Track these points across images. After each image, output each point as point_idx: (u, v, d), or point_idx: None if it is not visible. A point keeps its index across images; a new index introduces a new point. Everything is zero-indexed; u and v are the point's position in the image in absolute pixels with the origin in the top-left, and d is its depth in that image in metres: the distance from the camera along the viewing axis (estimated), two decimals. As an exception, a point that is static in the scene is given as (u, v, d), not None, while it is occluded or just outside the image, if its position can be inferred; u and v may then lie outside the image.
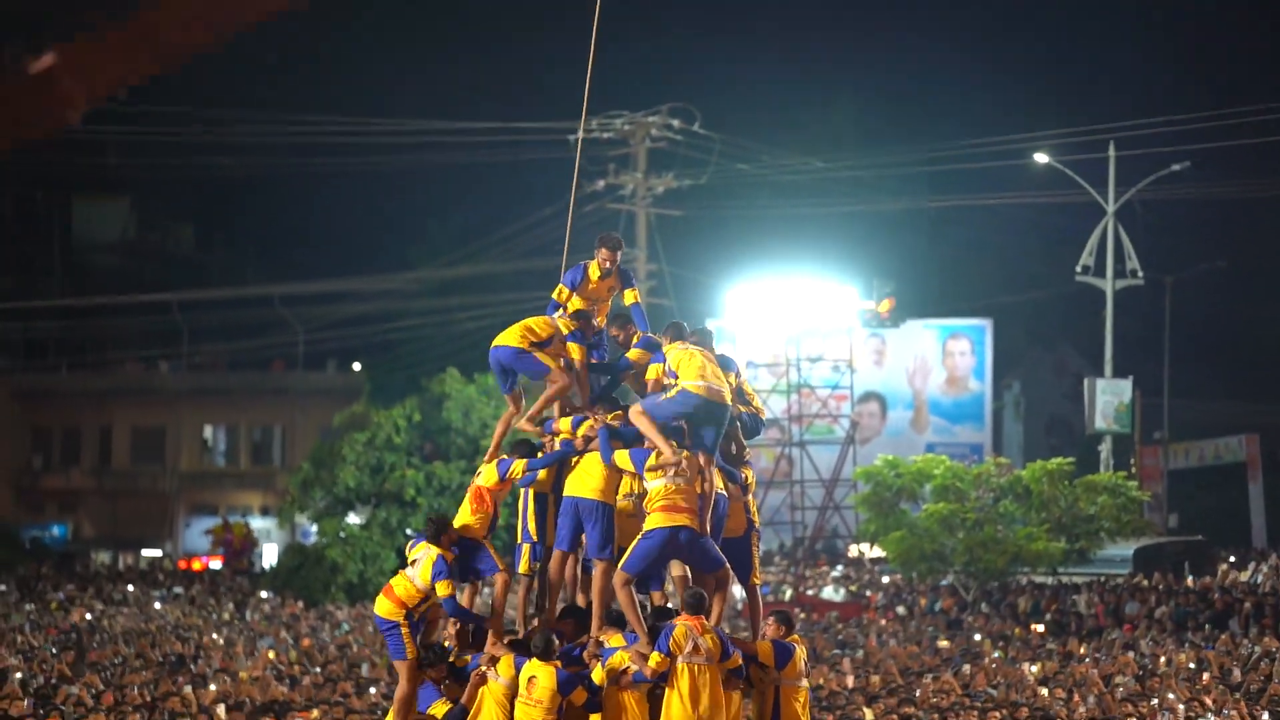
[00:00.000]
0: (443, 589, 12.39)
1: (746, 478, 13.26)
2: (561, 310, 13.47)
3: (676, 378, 12.60)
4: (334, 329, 62.84)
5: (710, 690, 11.72)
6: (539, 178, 76.67)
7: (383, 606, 12.74)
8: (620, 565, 12.24)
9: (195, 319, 66.80)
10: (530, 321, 13.26)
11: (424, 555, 12.60)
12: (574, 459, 12.80)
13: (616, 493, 12.66)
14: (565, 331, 13.19)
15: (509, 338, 13.14)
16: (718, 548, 12.57)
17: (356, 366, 66.59)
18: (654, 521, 12.21)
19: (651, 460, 12.32)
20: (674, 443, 12.40)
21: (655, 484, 12.25)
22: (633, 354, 13.25)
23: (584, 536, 12.65)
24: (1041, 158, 48.98)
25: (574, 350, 13.10)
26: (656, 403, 12.60)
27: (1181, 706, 19.63)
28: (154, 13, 5.89)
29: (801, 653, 12.88)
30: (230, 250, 79.46)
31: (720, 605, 12.31)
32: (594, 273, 13.53)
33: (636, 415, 12.59)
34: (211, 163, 62.11)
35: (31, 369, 69.47)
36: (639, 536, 12.29)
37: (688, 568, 12.65)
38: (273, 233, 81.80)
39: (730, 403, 12.68)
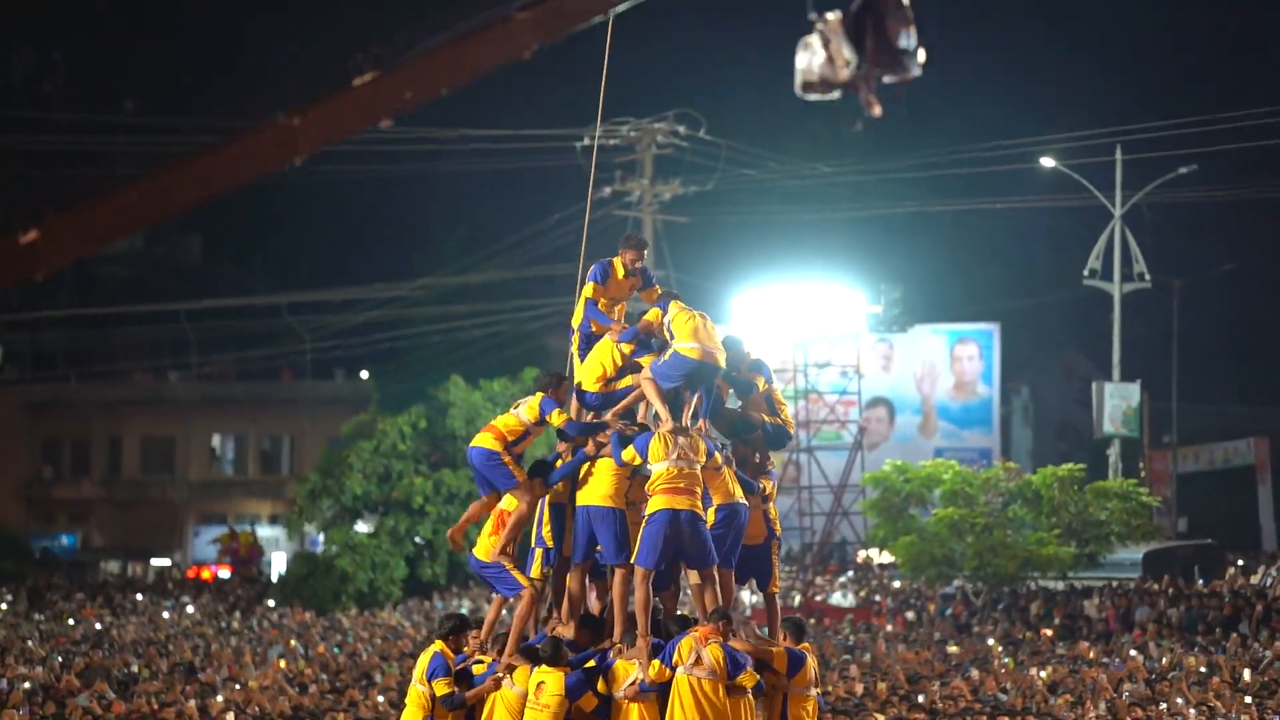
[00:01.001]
0: (440, 687, 12.56)
1: (766, 488, 13.27)
2: (530, 401, 13.29)
3: (673, 337, 12.71)
4: (341, 338, 62.88)
5: (711, 703, 11.67)
6: (545, 185, 76.85)
7: (484, 440, 12.93)
8: (635, 560, 12.26)
9: (203, 329, 66.83)
10: (499, 422, 13.22)
11: (429, 651, 12.88)
12: (584, 468, 12.81)
13: (627, 498, 12.67)
14: (534, 421, 13.12)
15: (483, 439, 13.12)
16: (727, 552, 12.57)
17: (364, 375, 66.63)
18: (656, 504, 12.25)
19: (654, 443, 12.35)
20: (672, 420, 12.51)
21: (658, 466, 12.28)
22: (649, 315, 13.28)
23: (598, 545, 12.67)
24: (1048, 162, 48.94)
25: (558, 419, 13.08)
26: (657, 366, 12.68)
27: (1192, 711, 19.59)
28: (139, 187, 6.15)
29: (812, 661, 12.91)
30: (238, 260, 79.60)
31: (712, 601, 12.27)
32: (619, 271, 13.54)
33: (645, 382, 12.70)
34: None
35: (41, 380, 69.57)
36: (643, 523, 12.32)
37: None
38: (280, 242, 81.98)
39: (722, 361, 12.77)
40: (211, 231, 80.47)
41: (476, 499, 13.69)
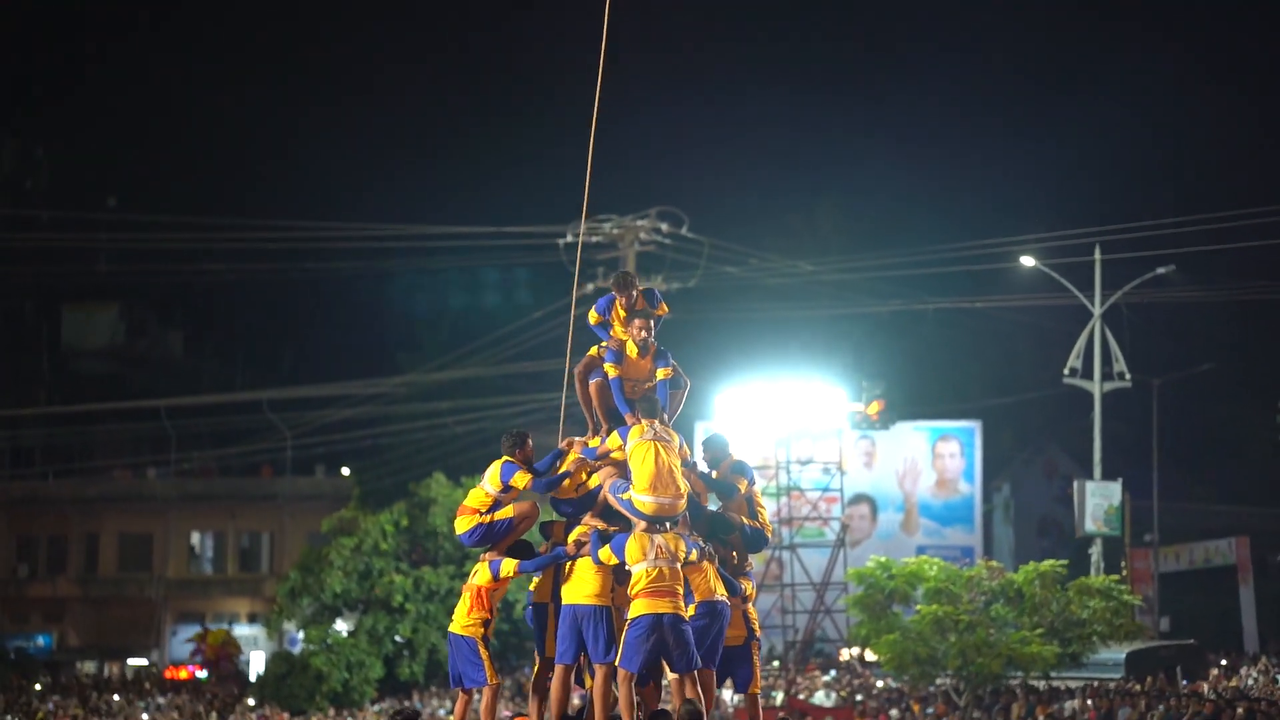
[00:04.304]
0: None
1: (746, 589, 13.22)
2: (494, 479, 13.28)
3: (629, 485, 12.57)
4: (323, 434, 62.74)
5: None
6: (528, 282, 77.08)
7: (461, 524, 13.15)
8: (619, 663, 12.19)
9: (184, 425, 66.66)
10: (468, 501, 13.23)
11: None
12: (567, 566, 12.75)
13: (612, 595, 12.61)
14: (499, 489, 13.07)
15: (460, 524, 13.17)
16: (708, 650, 12.49)
17: (345, 471, 66.42)
18: (639, 608, 12.19)
19: (631, 543, 12.30)
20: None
21: (637, 568, 12.22)
22: (610, 442, 13.13)
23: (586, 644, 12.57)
24: (1028, 260, 49.22)
25: (521, 480, 13.05)
26: (619, 499, 12.58)
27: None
28: None
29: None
30: (219, 356, 79.52)
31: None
32: (632, 352, 13.40)
33: (609, 495, 12.68)
34: (201, 269, 62.31)
35: (18, 476, 69.19)
36: (625, 626, 12.25)
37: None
38: (262, 338, 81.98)
39: (681, 508, 12.63)
40: (193, 327, 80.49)
41: (458, 597, 13.59)
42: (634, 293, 13.61)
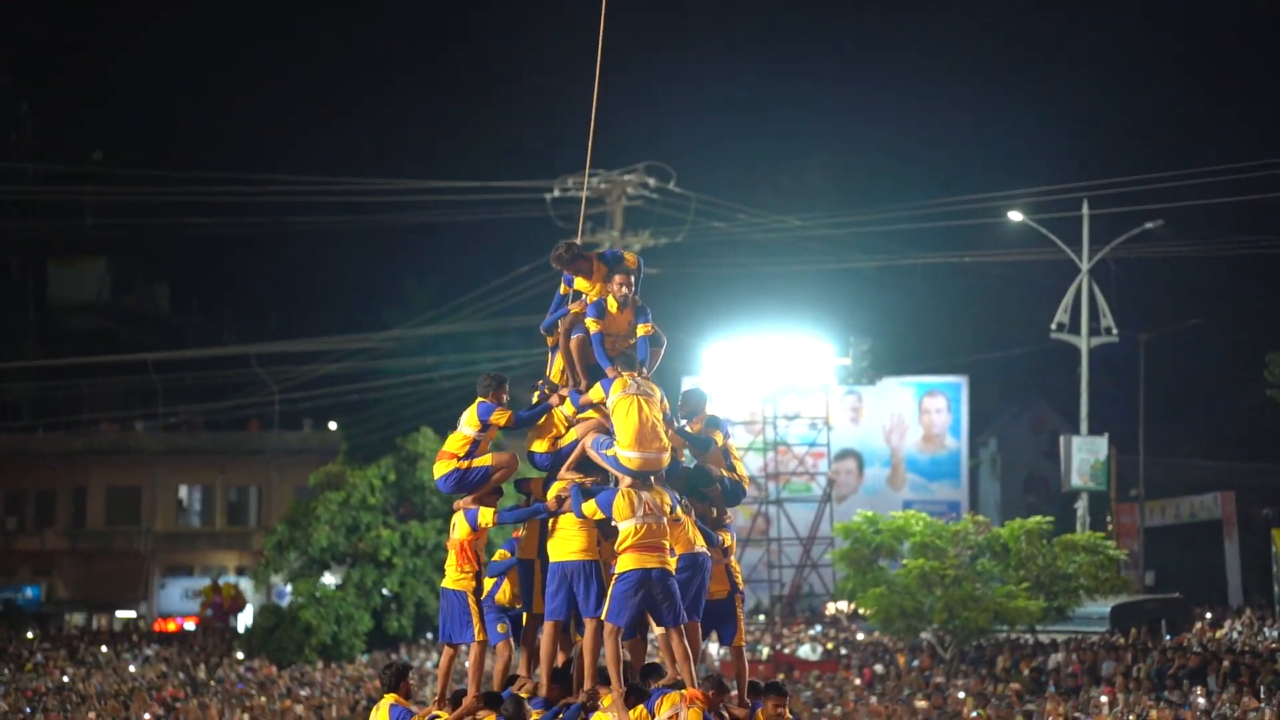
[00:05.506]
0: None
1: (726, 541, 13.25)
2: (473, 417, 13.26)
3: (613, 438, 12.58)
4: (310, 388, 62.69)
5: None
6: (516, 236, 76.98)
7: (440, 468, 13.09)
8: (605, 617, 12.23)
9: (171, 379, 66.58)
10: (447, 446, 13.19)
11: (383, 705, 12.74)
12: (552, 523, 12.76)
13: (599, 549, 12.63)
14: (477, 430, 13.05)
15: (439, 468, 13.13)
16: (692, 601, 12.53)
17: (333, 426, 66.41)
18: (626, 563, 12.22)
19: (619, 500, 12.32)
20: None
21: (625, 524, 12.24)
22: (592, 393, 13.13)
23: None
24: (1016, 216, 49.21)
25: (500, 417, 13.05)
26: (603, 455, 12.60)
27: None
28: None
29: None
30: (206, 311, 79.39)
31: (686, 667, 12.21)
32: (613, 306, 13.40)
33: (590, 451, 12.70)
34: (187, 223, 62.12)
35: (5, 430, 69.12)
36: (613, 580, 12.29)
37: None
38: (249, 293, 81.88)
39: (666, 461, 12.65)
40: (179, 281, 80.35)
41: (443, 551, 13.62)
42: (631, 276, 13.54)
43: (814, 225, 55.14)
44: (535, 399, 13.46)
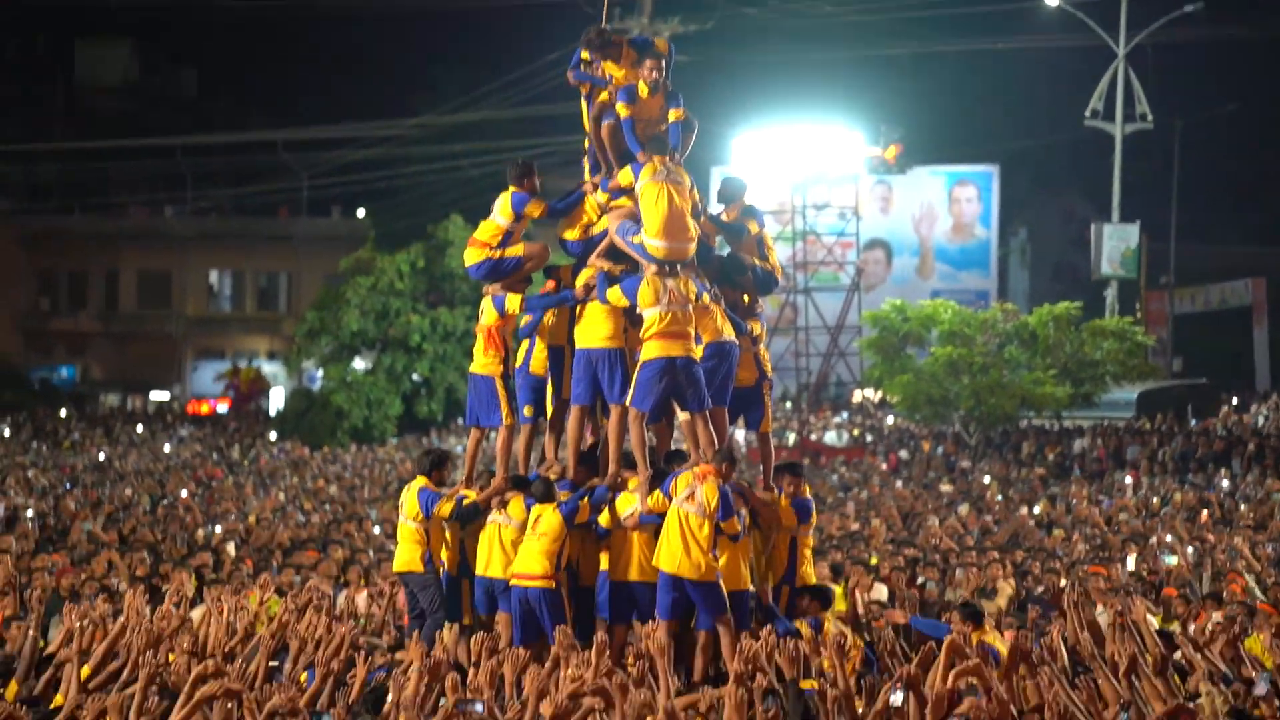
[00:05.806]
0: (444, 508, 12.63)
1: (756, 330, 13.29)
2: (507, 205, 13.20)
3: (640, 225, 12.53)
4: (338, 175, 62.56)
5: (696, 540, 11.78)
6: (544, 22, 76.02)
7: (471, 255, 13.02)
8: (630, 403, 12.35)
9: (199, 164, 66.50)
10: (479, 234, 13.07)
11: (413, 488, 12.87)
12: (578, 310, 12.80)
13: (625, 336, 12.70)
14: (511, 220, 12.97)
15: (470, 255, 13.03)
16: (718, 389, 12.63)
17: (361, 213, 66.42)
18: (651, 350, 12.28)
19: (643, 288, 12.34)
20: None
21: (650, 312, 12.28)
22: (621, 176, 13.05)
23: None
24: (1052, 0, 48.40)
25: (535, 209, 12.99)
26: (629, 241, 12.61)
27: (1183, 544, 19.74)
28: None
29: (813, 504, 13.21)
30: (234, 95, 78.90)
31: (710, 451, 12.34)
32: (643, 91, 13.28)
33: (616, 237, 12.68)
34: (214, 5, 61.49)
35: (35, 211, 69.25)
36: (637, 367, 12.38)
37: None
38: (276, 78, 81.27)
39: (691, 251, 12.61)
40: (207, 65, 79.81)
41: (472, 337, 13.68)
42: (662, 62, 13.29)
43: (846, 11, 54.29)
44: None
